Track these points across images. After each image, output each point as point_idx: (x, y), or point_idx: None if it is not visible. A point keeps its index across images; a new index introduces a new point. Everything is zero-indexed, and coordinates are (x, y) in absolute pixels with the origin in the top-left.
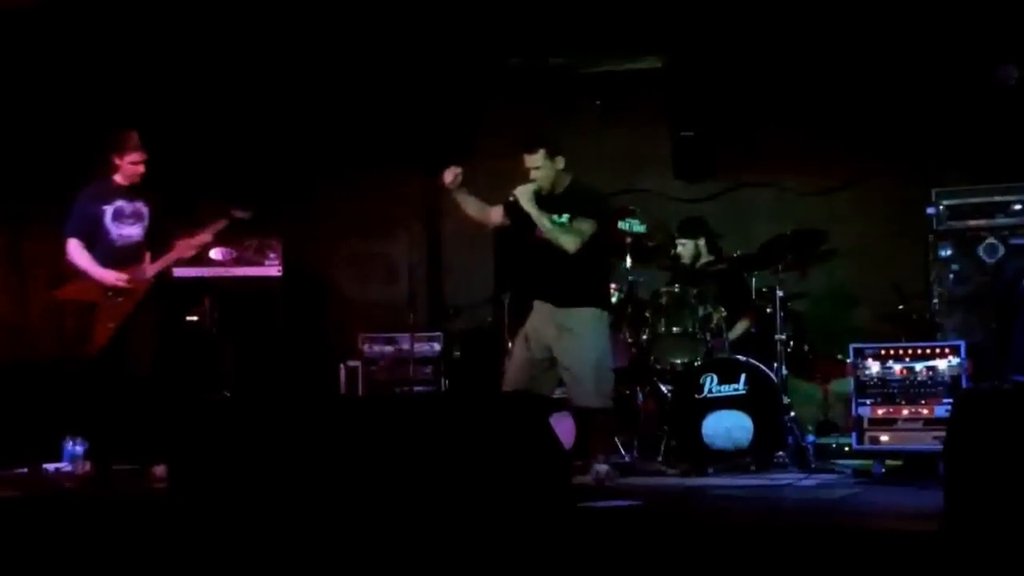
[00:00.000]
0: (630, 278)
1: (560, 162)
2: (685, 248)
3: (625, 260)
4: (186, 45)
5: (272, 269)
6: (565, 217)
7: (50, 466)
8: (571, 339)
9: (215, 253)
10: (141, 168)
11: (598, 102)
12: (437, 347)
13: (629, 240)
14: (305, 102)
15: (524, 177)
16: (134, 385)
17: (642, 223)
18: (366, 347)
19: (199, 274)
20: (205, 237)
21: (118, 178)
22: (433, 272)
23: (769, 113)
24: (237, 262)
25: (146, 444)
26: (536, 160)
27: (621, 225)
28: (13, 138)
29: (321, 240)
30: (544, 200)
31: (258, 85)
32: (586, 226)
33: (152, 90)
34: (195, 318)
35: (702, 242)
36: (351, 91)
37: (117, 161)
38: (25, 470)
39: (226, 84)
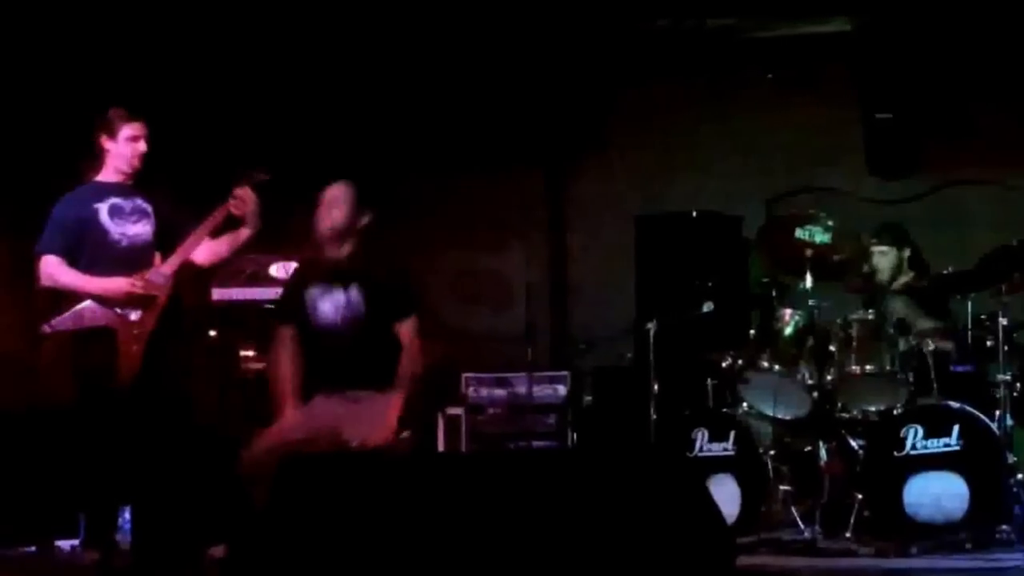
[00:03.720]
0: (811, 302)
1: None
2: (885, 258)
3: (804, 279)
4: (267, 25)
5: None
6: None
7: (65, 543)
8: None
9: (275, 270)
10: (142, 145)
11: (770, 76)
12: (563, 390)
13: (809, 253)
14: (398, 81)
15: (667, 171)
16: (176, 428)
17: (826, 231)
18: (471, 391)
19: (253, 296)
20: (223, 211)
21: (107, 175)
22: (557, 295)
23: (989, 90)
24: None
25: (199, 516)
26: None
27: (799, 234)
28: (16, 143)
29: (414, 253)
30: None
31: (343, 61)
32: None
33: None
34: (251, 352)
35: (907, 254)
36: (453, 69)
37: (107, 145)
38: (33, 549)
39: (306, 64)
